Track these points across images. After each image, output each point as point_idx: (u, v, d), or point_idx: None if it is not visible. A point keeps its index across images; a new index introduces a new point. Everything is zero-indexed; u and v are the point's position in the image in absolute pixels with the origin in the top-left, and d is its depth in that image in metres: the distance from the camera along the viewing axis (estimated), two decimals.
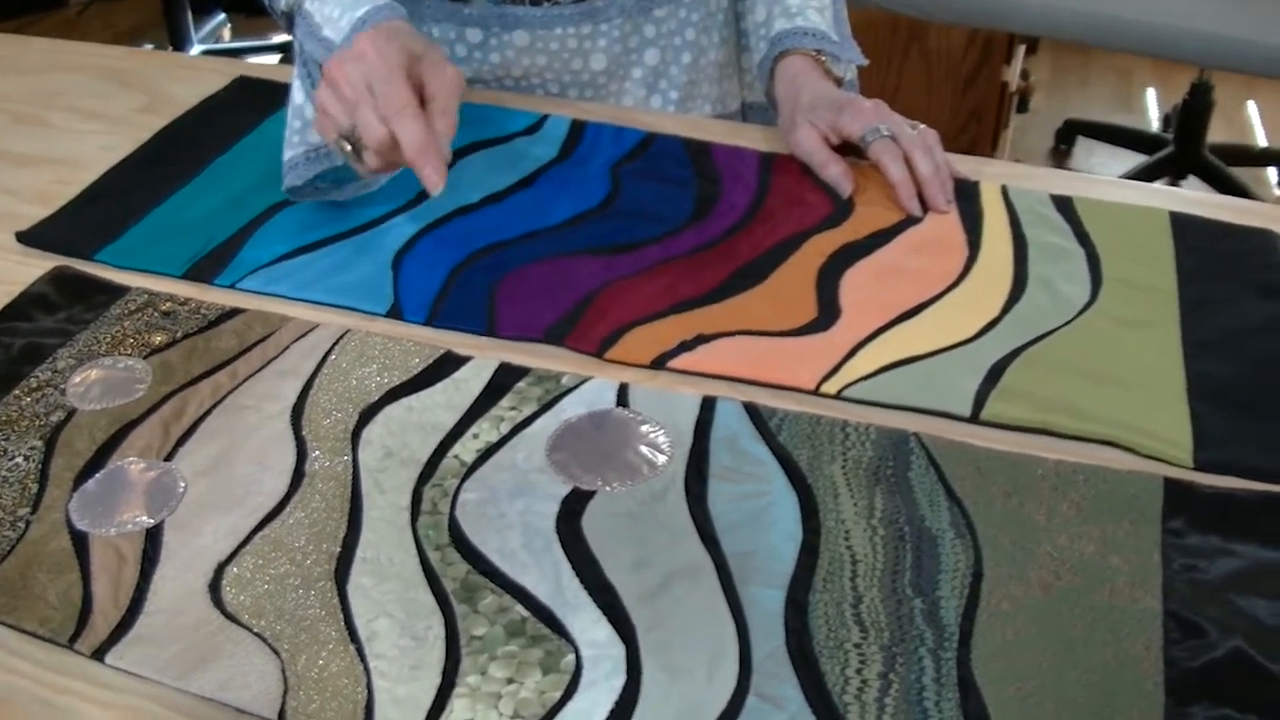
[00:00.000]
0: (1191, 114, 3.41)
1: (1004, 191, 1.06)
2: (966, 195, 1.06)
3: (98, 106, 1.26)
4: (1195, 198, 1.08)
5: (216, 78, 1.29)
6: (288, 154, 1.04)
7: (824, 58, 1.16)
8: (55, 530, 0.75)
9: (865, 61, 1.19)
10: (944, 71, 2.13)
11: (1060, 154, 3.69)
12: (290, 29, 1.09)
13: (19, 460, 0.80)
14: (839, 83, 1.17)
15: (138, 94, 1.28)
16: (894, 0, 1.65)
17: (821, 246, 0.99)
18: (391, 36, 0.93)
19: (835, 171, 1.06)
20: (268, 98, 1.21)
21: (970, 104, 2.16)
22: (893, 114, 1.09)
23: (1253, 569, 0.70)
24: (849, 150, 1.09)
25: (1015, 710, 0.63)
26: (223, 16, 4.27)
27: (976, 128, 2.18)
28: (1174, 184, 3.53)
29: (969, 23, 1.74)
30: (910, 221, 1.03)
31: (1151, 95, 3.96)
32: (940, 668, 0.65)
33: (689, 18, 1.27)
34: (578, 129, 1.16)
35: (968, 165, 1.11)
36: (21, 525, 0.75)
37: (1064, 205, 1.04)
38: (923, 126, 1.08)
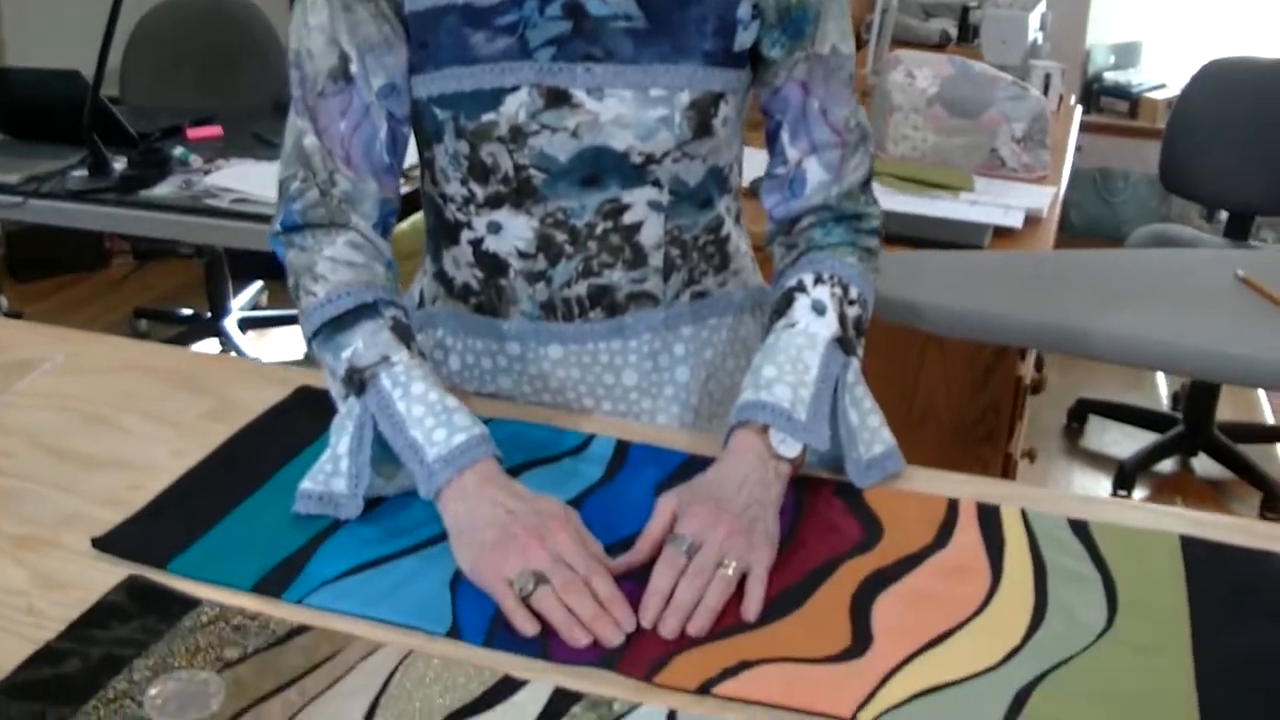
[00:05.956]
0: (1200, 393, 3.51)
1: (1023, 515, 1.13)
2: (989, 521, 1.13)
3: (167, 410, 1.34)
4: (1206, 519, 1.14)
5: (279, 386, 1.37)
6: (306, 483, 1.14)
7: (773, 436, 1.14)
8: None
9: (826, 446, 1.16)
10: (961, 367, 2.23)
11: (1072, 433, 3.77)
12: (358, 393, 1.14)
13: None
14: (791, 463, 1.15)
15: (205, 399, 1.36)
16: (917, 318, 1.77)
17: (854, 573, 1.05)
18: (575, 528, 1.06)
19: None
20: (328, 409, 1.23)
21: (986, 399, 2.25)
22: (720, 534, 1.04)
23: None
24: None
25: None
26: (260, 284, 4.44)
27: (994, 419, 2.26)
28: (1184, 461, 3.60)
29: (975, 339, 1.85)
30: (938, 546, 1.09)
31: (1161, 375, 4.07)
32: None
33: (711, 339, 1.36)
34: (622, 449, 1.24)
35: (987, 489, 1.18)
36: None
37: (1080, 529, 1.11)
38: (734, 568, 1.03)
